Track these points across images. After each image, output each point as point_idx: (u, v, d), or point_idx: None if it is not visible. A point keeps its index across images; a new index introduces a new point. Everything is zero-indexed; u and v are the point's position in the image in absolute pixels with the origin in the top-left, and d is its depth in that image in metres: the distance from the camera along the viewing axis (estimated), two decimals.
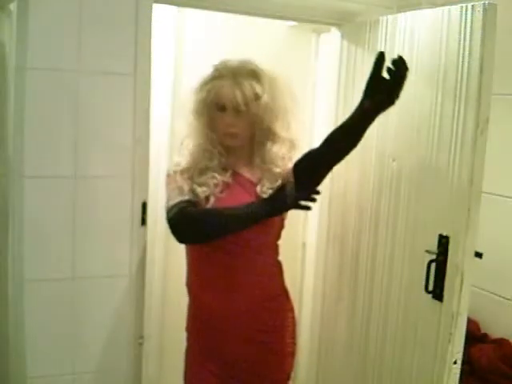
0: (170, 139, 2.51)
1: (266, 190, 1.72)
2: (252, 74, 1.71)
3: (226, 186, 1.74)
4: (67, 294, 1.83)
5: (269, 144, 1.75)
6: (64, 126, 1.76)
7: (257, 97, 1.69)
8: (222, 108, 1.70)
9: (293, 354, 1.91)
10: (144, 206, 1.89)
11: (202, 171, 1.74)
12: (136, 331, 1.93)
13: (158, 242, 2.50)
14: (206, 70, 1.75)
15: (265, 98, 1.69)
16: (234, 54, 1.81)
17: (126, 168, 1.84)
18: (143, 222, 1.90)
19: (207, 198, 1.71)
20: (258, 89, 1.70)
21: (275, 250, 1.86)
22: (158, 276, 2.55)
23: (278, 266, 1.88)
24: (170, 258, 2.53)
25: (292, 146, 1.78)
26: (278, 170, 1.73)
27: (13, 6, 1.74)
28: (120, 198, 1.85)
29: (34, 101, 1.71)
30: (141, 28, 1.80)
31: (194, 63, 2.47)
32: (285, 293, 1.89)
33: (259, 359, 1.81)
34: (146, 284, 1.96)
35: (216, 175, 1.73)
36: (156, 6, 1.86)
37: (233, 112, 1.69)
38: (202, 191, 1.71)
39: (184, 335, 1.87)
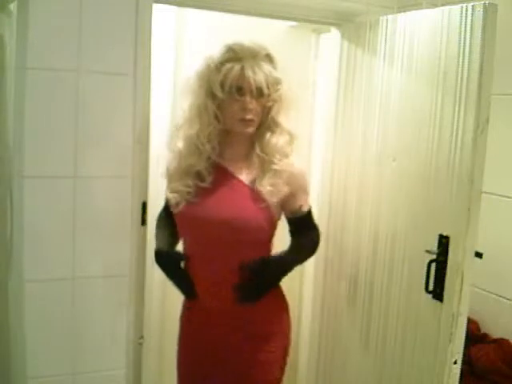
0: None
1: (266, 184, 1.64)
2: (268, 57, 1.65)
3: (204, 190, 1.68)
4: (67, 294, 1.83)
5: (268, 134, 1.68)
6: (64, 125, 1.76)
7: (277, 82, 1.64)
8: (239, 91, 1.61)
9: (278, 363, 1.78)
10: (144, 205, 1.89)
11: (185, 172, 1.68)
12: (136, 331, 1.93)
13: None
14: (217, 49, 1.67)
15: (284, 83, 1.65)
16: None
17: (126, 168, 1.84)
18: (143, 222, 1.89)
19: (177, 204, 1.68)
20: (275, 73, 1.64)
21: (262, 250, 1.73)
22: (157, 276, 2.54)
23: None
24: None
25: (291, 139, 1.70)
26: (277, 167, 1.64)
27: (13, 6, 1.74)
28: (120, 198, 1.85)
29: (34, 101, 1.71)
30: (141, 28, 1.80)
31: (194, 63, 2.47)
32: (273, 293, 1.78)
33: (242, 349, 1.73)
34: (146, 284, 1.97)
35: (190, 182, 1.67)
36: (156, 6, 1.86)
37: (255, 96, 1.61)
38: (172, 197, 1.69)
39: None
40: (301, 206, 1.73)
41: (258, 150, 1.68)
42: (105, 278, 1.87)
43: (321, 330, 2.39)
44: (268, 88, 1.62)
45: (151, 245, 1.84)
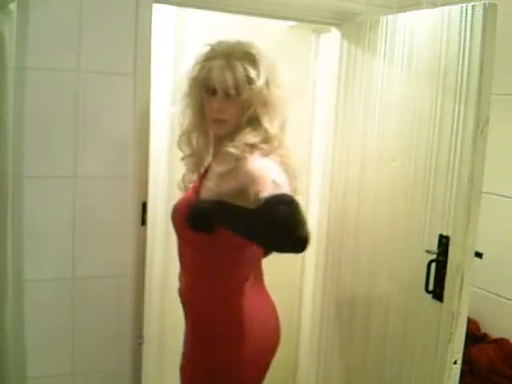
0: (170, 139, 2.50)
1: (217, 175, 1.56)
2: (247, 56, 1.57)
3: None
4: (67, 294, 1.83)
5: (247, 130, 1.56)
6: (64, 125, 1.76)
7: (250, 81, 1.55)
8: (211, 91, 1.57)
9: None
10: (144, 205, 1.89)
11: (189, 171, 1.73)
12: (136, 331, 1.93)
13: (158, 242, 2.50)
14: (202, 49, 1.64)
15: (259, 83, 1.55)
16: None
17: (125, 168, 1.84)
18: (143, 222, 1.90)
19: None
20: (252, 73, 1.55)
21: (200, 251, 1.61)
22: (157, 276, 2.55)
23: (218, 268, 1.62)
24: (170, 258, 2.53)
25: (266, 138, 1.56)
26: (232, 150, 1.51)
27: (13, 6, 1.74)
28: (120, 198, 1.85)
29: (34, 101, 1.71)
30: (141, 28, 1.80)
31: None
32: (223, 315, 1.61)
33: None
34: (146, 284, 1.97)
35: (181, 183, 1.73)
36: (156, 6, 1.86)
37: (223, 96, 1.55)
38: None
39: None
40: (258, 193, 1.39)
41: (227, 141, 1.57)
42: (105, 278, 1.87)
43: (320, 331, 2.39)
44: (237, 88, 1.53)
45: (151, 245, 1.84)
